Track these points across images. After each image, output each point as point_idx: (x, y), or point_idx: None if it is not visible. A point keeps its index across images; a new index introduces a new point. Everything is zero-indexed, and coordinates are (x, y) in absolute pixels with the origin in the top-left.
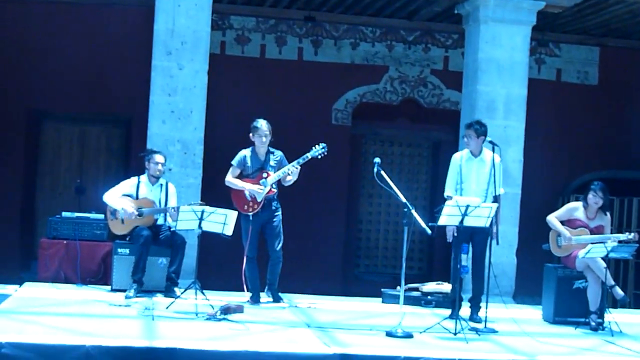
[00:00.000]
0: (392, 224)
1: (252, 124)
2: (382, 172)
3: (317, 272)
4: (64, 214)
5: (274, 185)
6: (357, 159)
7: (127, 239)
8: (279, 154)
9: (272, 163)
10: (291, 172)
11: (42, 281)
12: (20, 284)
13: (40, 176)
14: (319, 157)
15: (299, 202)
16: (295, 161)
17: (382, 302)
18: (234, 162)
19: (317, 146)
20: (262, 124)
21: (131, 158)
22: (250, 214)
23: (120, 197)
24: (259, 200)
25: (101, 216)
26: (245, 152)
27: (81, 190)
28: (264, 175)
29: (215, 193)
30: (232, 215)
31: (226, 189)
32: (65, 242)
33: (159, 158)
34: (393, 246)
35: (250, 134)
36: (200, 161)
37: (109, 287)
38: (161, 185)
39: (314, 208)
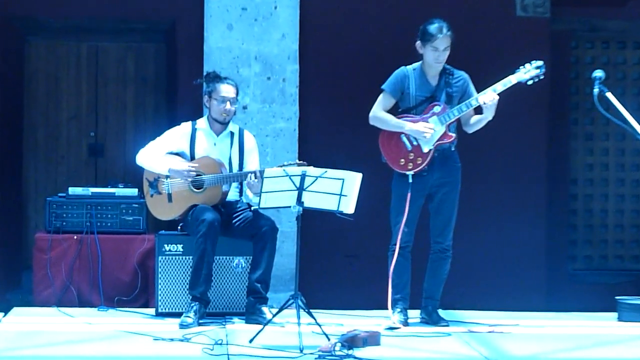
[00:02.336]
0: (628, 184)
1: (422, 26)
2: (609, 94)
3: (503, 273)
4: (72, 190)
5: (452, 128)
6: (562, 73)
7: (179, 227)
8: (461, 76)
9: (449, 90)
10: (486, 104)
11: (40, 305)
12: (6, 311)
13: (29, 128)
14: (529, 83)
15: (469, 157)
16: (490, 87)
17: (618, 319)
18: (387, 86)
19: (527, 66)
20: (441, 29)
21: (178, 91)
22: (410, 173)
23: (164, 157)
24: (424, 150)
25: (134, 191)
26: (406, 71)
27: (98, 150)
28: (436, 109)
29: (313, 146)
30: (354, 179)
31: (357, 134)
32: (75, 237)
33: (226, 89)
34: (632, 223)
35: (417, 43)
36: (296, 90)
37: (152, 311)
38: (231, 134)
39: (493, 166)
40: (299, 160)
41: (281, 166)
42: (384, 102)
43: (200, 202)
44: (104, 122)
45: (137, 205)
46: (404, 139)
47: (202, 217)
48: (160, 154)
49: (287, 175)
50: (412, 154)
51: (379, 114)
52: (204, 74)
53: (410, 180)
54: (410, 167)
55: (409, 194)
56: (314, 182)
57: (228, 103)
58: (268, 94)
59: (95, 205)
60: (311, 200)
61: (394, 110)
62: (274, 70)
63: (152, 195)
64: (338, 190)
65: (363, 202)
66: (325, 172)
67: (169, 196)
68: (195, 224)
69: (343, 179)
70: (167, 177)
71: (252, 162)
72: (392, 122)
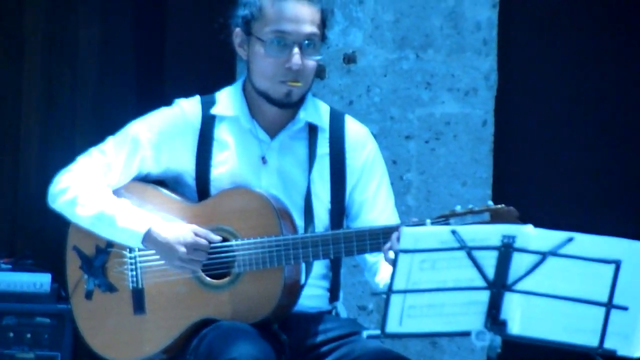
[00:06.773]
0: None
1: None
2: None
3: None
4: None
5: None
6: None
7: None
8: None
9: None
10: None
11: None
12: None
13: None
14: None
15: None
16: None
17: None
18: None
19: None
20: None
21: (167, 14)
22: None
23: (127, 194)
24: None
25: (41, 279)
26: None
27: None
28: None
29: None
30: None
31: None
32: None
33: (292, 10)
34: None
35: None
36: (492, 14)
37: None
38: (310, 130)
39: None
40: (496, 205)
41: (445, 219)
42: None
43: (224, 314)
44: None
45: (48, 320)
46: None
47: (229, 354)
48: (117, 183)
49: (462, 247)
50: None
51: None
52: None
53: None
54: None
55: None
56: (536, 267)
57: (297, 50)
58: (413, 26)
59: None
60: (528, 320)
61: None
62: None
63: (89, 294)
64: (602, 292)
65: None
66: (571, 239)
67: (137, 296)
68: None
69: (619, 262)
70: (130, 249)
71: (374, 204)
72: None
